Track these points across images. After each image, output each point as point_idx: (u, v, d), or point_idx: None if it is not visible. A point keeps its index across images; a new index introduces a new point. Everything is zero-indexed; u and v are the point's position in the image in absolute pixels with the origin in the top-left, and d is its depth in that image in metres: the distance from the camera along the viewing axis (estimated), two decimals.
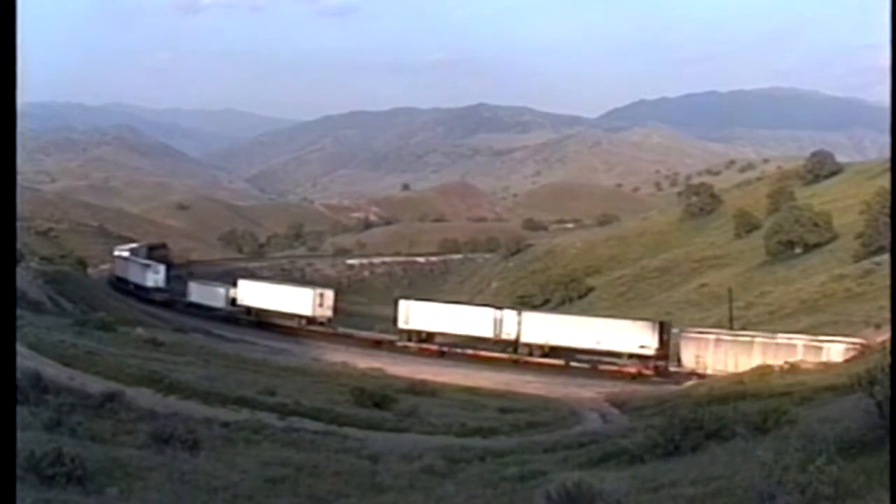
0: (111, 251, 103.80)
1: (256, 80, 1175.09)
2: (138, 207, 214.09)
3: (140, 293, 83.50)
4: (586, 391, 43.83)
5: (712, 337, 50.23)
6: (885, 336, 32.41)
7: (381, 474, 15.59)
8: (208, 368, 35.65)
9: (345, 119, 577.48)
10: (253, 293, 73.92)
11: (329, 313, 69.29)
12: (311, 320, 68.33)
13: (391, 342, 62.32)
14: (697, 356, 49.67)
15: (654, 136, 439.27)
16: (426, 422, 27.33)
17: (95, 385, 24.71)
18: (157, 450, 14.87)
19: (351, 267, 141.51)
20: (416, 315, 61.87)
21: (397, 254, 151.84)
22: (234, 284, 76.36)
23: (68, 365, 28.84)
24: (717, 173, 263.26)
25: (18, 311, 27.88)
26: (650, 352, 51.25)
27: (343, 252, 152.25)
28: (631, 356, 51.69)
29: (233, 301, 74.14)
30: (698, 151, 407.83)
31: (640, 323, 53.98)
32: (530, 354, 55.58)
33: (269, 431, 21.09)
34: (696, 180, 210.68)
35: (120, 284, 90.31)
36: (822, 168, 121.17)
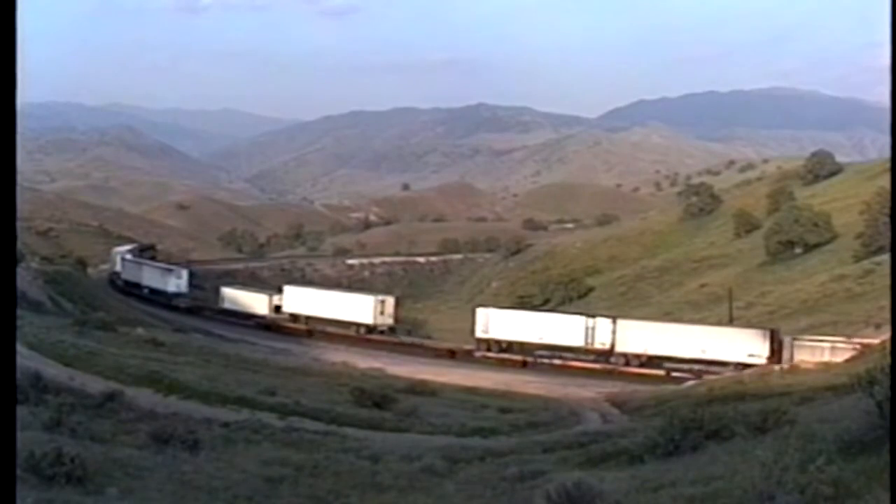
0: (111, 251, 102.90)
1: (256, 80, 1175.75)
2: (138, 207, 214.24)
3: (159, 299, 79.72)
4: (586, 391, 43.84)
5: (827, 345, 46.43)
6: None
7: (381, 474, 15.59)
8: (208, 368, 35.67)
9: (345, 119, 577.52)
10: (302, 300, 70.12)
11: (390, 321, 65.92)
12: (371, 329, 64.81)
13: (468, 352, 58.88)
14: None
15: (654, 136, 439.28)
16: (426, 422, 27.33)
17: (95, 385, 24.72)
18: (157, 450, 14.87)
19: (351, 267, 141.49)
20: (496, 323, 58.42)
21: (397, 254, 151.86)
22: (280, 290, 72.57)
23: (68, 365, 28.85)
24: (717, 173, 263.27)
25: (18, 311, 27.87)
26: (761, 360, 47.55)
27: (343, 252, 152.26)
28: (738, 366, 47.65)
29: (276, 308, 70.61)
30: (698, 151, 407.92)
31: (749, 330, 51.08)
32: (626, 364, 52.50)
33: (269, 431, 21.09)
34: (696, 180, 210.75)
35: (129, 289, 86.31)
36: (822, 168, 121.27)
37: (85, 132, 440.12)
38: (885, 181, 70.86)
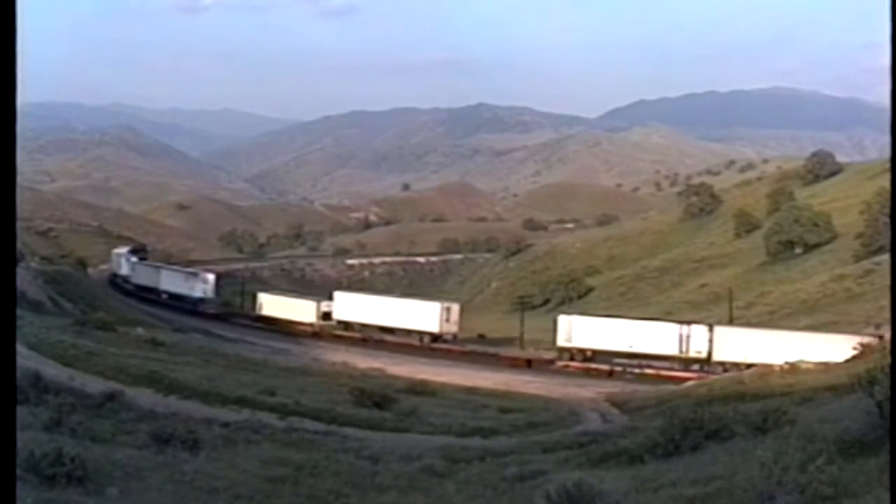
0: (111, 251, 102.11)
1: (256, 80, 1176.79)
2: (138, 207, 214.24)
3: (182, 305, 76.23)
4: (586, 391, 43.83)
5: None
6: None
7: (381, 474, 15.59)
8: (208, 368, 35.66)
9: (345, 119, 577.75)
10: (355, 307, 66.88)
11: (455, 329, 62.68)
12: (436, 337, 61.69)
13: (549, 362, 55.71)
14: None
15: (654, 136, 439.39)
16: (426, 422, 27.31)
17: (95, 385, 24.70)
18: (157, 450, 14.86)
19: (351, 267, 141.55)
20: (580, 331, 55.26)
21: (397, 254, 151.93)
22: (330, 297, 69.10)
23: (68, 365, 28.83)
24: (717, 173, 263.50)
25: (18, 311, 27.84)
26: None
27: (343, 252, 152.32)
28: None
29: (325, 315, 67.42)
30: (698, 151, 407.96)
31: (845, 336, 47.13)
32: (725, 373, 48.82)
33: (269, 431, 21.07)
34: (696, 180, 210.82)
35: (141, 293, 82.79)
36: (822, 168, 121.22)
37: (85, 132, 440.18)
38: (885, 181, 70.87)
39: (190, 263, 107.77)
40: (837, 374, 28.80)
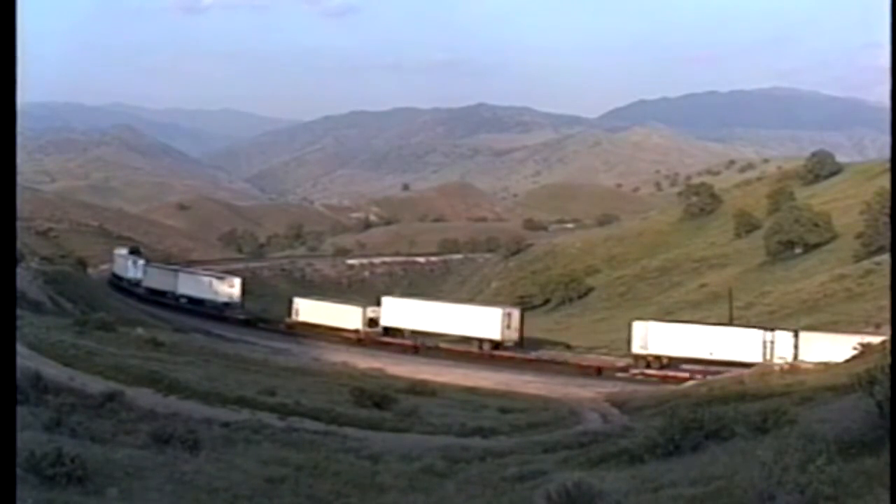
0: (113, 252, 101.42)
1: (256, 80, 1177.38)
2: (138, 207, 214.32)
3: (205, 310, 73.40)
4: (586, 391, 43.85)
5: None
6: None
7: (381, 474, 15.59)
8: (208, 368, 35.67)
9: (345, 119, 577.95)
10: (405, 312, 64.02)
11: (516, 335, 59.94)
12: (497, 344, 59.12)
13: (621, 369, 53.52)
14: None
15: (654, 136, 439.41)
16: (426, 422, 27.32)
17: (95, 385, 24.71)
18: (157, 450, 14.85)
19: (351, 267, 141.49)
20: (656, 337, 53.02)
21: (397, 254, 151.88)
22: (378, 303, 66.27)
23: (68, 365, 28.84)
24: (717, 173, 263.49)
25: (18, 311, 27.90)
26: None
27: (343, 252, 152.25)
28: None
29: (370, 321, 64.72)
30: (698, 151, 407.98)
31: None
32: None
33: (269, 431, 21.08)
34: (696, 180, 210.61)
35: (153, 297, 79.80)
36: (822, 168, 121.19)
37: (85, 132, 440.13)
38: (885, 181, 70.85)
39: (190, 263, 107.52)
40: (837, 374, 28.80)
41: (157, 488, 12.09)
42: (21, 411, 13.98)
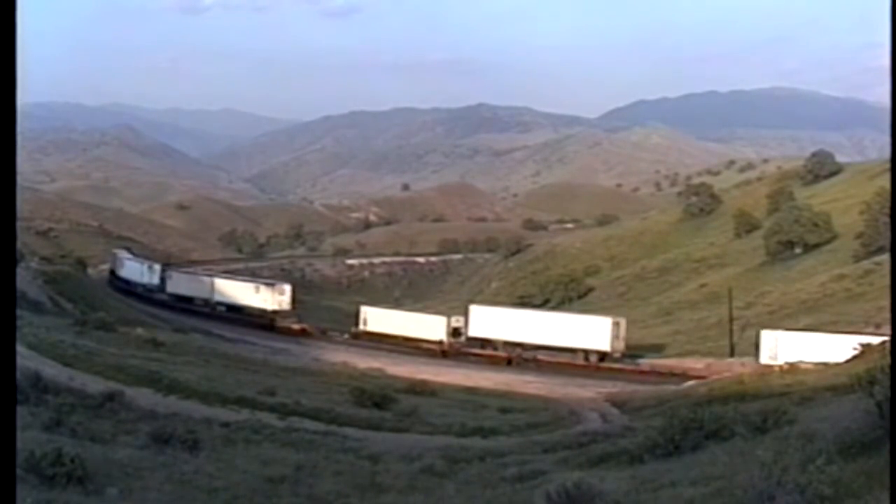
0: (117, 254, 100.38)
1: (256, 80, 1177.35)
2: (138, 207, 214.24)
3: (252, 319, 69.81)
4: (586, 391, 43.84)
5: None
6: None
7: (381, 474, 15.59)
8: (208, 368, 35.68)
9: (345, 119, 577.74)
10: (498, 322, 60.35)
11: (622, 346, 56.76)
12: (603, 356, 55.98)
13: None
14: None
15: (654, 136, 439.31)
16: (426, 422, 27.35)
17: (95, 385, 24.72)
18: (157, 450, 14.86)
19: (351, 267, 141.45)
20: (788, 346, 47.77)
21: (397, 254, 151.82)
22: (466, 312, 62.84)
23: (68, 365, 28.85)
24: (717, 173, 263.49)
25: (18, 311, 27.90)
26: None
27: (343, 252, 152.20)
28: None
29: (455, 331, 61.44)
30: (698, 151, 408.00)
31: None
32: None
33: (269, 431, 21.10)
34: (695, 180, 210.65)
35: (177, 303, 76.20)
36: (822, 168, 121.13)
37: (85, 132, 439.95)
38: (885, 181, 70.85)
39: (190, 264, 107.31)
40: (837, 373, 28.80)
41: (157, 488, 12.09)
42: (21, 411, 13.98)
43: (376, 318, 65.86)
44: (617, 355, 55.98)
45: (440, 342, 61.06)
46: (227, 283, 76.50)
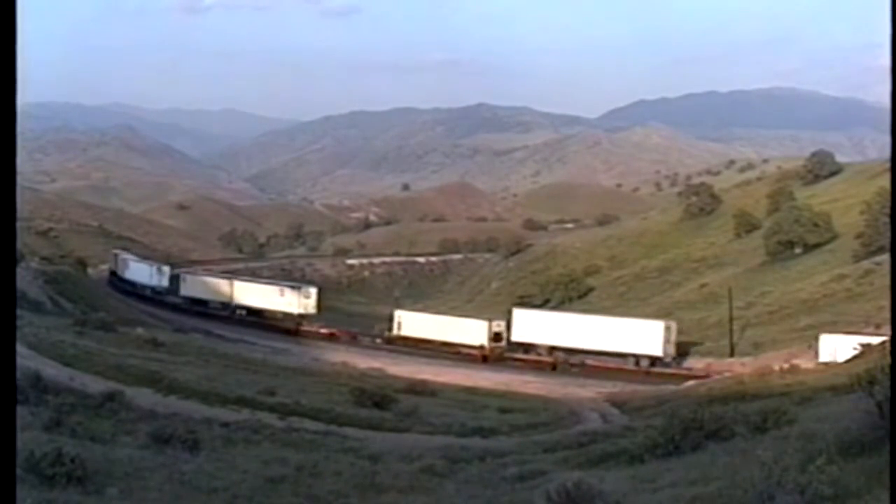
0: (111, 251, 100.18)
1: (256, 80, 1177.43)
2: (138, 207, 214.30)
3: (277, 323, 68.78)
4: (586, 391, 43.85)
5: None
6: None
7: (381, 474, 15.59)
8: (208, 368, 35.69)
9: (345, 119, 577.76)
10: (543, 327, 58.75)
11: (673, 350, 55.52)
12: (654, 361, 54.77)
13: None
14: None
15: (654, 136, 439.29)
16: (426, 422, 27.36)
17: (95, 385, 24.74)
18: (157, 450, 14.86)
19: (351, 267, 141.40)
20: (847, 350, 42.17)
21: (397, 254, 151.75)
22: (509, 314, 61.25)
23: (68, 365, 28.87)
24: (717, 173, 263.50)
25: (18, 311, 27.91)
26: None
27: (343, 252, 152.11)
28: None
29: (496, 336, 59.82)
30: (698, 151, 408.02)
31: None
32: None
33: (269, 431, 21.10)
34: (695, 180, 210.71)
35: (193, 307, 74.70)
36: (822, 168, 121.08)
37: (85, 132, 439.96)
38: (885, 181, 70.81)
39: (191, 264, 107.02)
40: (837, 373, 28.81)
41: (157, 488, 12.09)
42: (21, 411, 13.98)
43: (411, 322, 64.09)
44: (668, 360, 54.65)
45: (481, 347, 59.40)
46: (248, 286, 74.76)
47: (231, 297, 73.83)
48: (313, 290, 71.84)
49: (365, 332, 67.51)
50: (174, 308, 75.91)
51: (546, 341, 58.08)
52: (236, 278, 78.98)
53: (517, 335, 59.33)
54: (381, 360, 53.25)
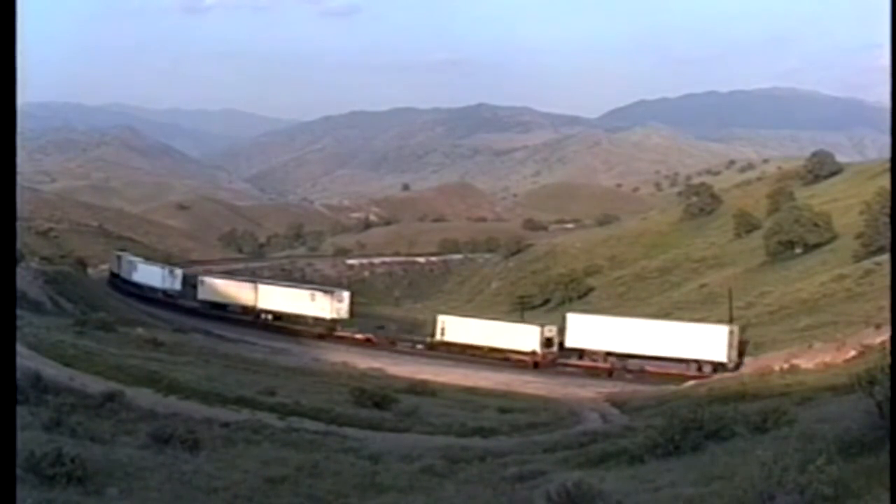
0: (111, 251, 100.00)
1: (257, 80, 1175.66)
2: (138, 207, 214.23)
3: (305, 329, 67.43)
4: (586, 391, 43.84)
5: None
6: None
7: (381, 474, 15.59)
8: (208, 368, 35.68)
9: (345, 119, 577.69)
10: (599, 332, 56.57)
11: (735, 356, 52.89)
12: (717, 366, 52.22)
13: None
14: None
15: (654, 136, 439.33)
16: (426, 422, 27.36)
17: (95, 385, 24.74)
18: (157, 450, 14.85)
19: (351, 267, 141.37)
20: None
21: (397, 254, 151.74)
22: (563, 320, 58.61)
23: (68, 365, 28.88)
24: (717, 173, 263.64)
25: (18, 311, 27.91)
26: None
27: (343, 252, 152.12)
28: None
29: (548, 341, 57.79)
30: (698, 151, 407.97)
31: None
32: None
33: (269, 431, 21.10)
34: (696, 180, 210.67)
35: (212, 311, 72.77)
36: (822, 168, 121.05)
37: (85, 132, 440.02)
38: (885, 181, 70.74)
39: (191, 264, 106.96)
40: (837, 373, 28.81)
41: (157, 488, 12.09)
42: (21, 411, 13.98)
43: (456, 328, 61.91)
44: (731, 366, 52.02)
45: (532, 353, 57.54)
46: (274, 290, 72.92)
47: (255, 301, 71.95)
48: (346, 294, 70.08)
49: (404, 338, 65.57)
50: (190, 312, 73.75)
51: (602, 347, 55.98)
52: (260, 281, 77.01)
53: (571, 340, 57.18)
54: (381, 360, 53.24)
